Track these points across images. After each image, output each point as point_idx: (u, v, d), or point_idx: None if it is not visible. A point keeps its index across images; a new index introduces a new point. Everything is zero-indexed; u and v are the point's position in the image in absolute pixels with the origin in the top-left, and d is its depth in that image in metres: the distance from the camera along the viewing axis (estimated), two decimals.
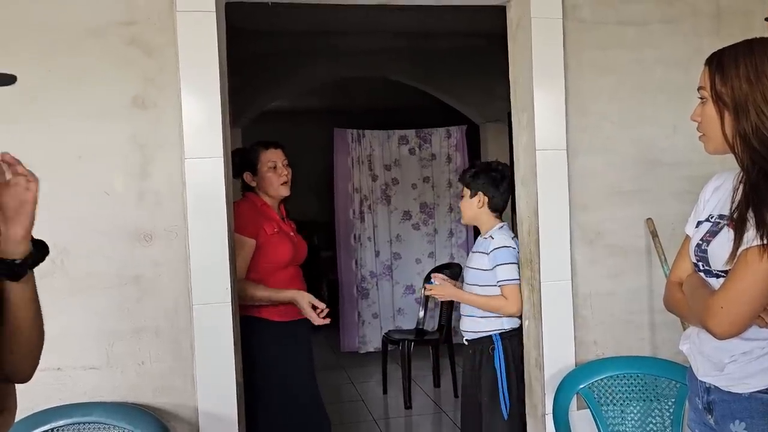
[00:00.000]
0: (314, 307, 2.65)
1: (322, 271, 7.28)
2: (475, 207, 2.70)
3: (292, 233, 2.86)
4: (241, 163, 2.76)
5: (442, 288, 2.73)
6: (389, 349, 5.03)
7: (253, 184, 2.80)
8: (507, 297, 2.58)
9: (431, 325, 5.46)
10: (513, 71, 2.59)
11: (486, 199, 2.69)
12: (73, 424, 2.08)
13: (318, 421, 2.84)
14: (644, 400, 2.41)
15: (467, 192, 2.71)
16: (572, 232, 2.51)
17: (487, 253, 2.61)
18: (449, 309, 4.89)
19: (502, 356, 2.59)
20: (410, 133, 6.13)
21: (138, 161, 2.18)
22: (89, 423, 2.08)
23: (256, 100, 5.30)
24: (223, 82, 2.26)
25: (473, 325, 2.66)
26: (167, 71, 2.18)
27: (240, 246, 2.55)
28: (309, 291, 2.88)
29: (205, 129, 2.19)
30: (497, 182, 2.69)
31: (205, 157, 2.20)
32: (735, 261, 1.43)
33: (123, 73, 2.17)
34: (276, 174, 2.78)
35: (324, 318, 2.65)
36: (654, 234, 2.54)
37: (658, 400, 2.42)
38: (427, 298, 5.17)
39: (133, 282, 2.19)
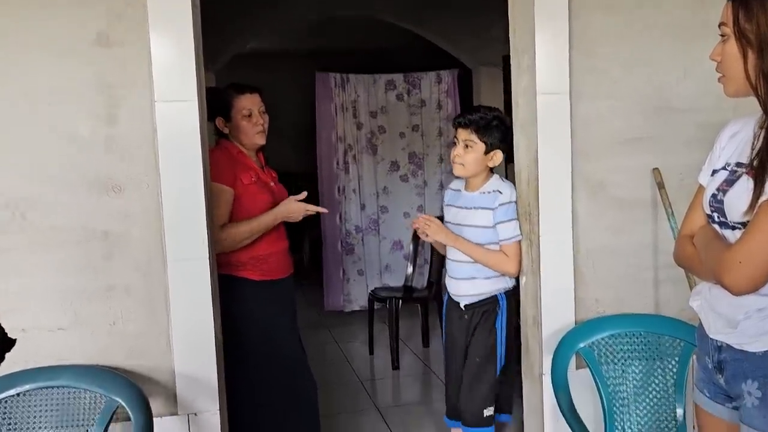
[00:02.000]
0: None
1: (304, 227, 7.24)
2: (484, 163, 2.57)
3: (272, 183, 2.82)
4: (213, 106, 2.71)
5: (433, 226, 2.59)
6: (376, 307, 5.06)
7: (226, 130, 2.76)
8: (508, 255, 2.55)
9: (420, 282, 5.47)
10: (513, 10, 2.53)
11: (501, 157, 2.58)
12: (40, 388, 2.05)
13: (304, 384, 2.85)
14: (647, 359, 2.43)
15: (478, 143, 2.54)
16: (574, 182, 2.49)
17: (493, 209, 2.56)
18: (439, 265, 4.90)
19: (504, 316, 2.58)
20: (398, 77, 6.05)
21: (104, 104, 2.13)
22: (57, 387, 2.06)
23: (231, 41, 5.18)
24: (196, 18, 2.19)
25: (473, 288, 2.60)
26: (134, 5, 2.11)
27: (217, 194, 2.52)
28: (291, 246, 2.86)
29: (177, 69, 2.14)
30: (509, 137, 2.58)
31: (178, 100, 2.15)
32: (755, 212, 1.40)
33: (86, 8, 2.09)
34: (251, 123, 2.73)
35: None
36: (661, 185, 2.53)
37: (661, 359, 2.44)
38: (416, 252, 5.17)
39: (102, 236, 2.16)
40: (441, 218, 2.69)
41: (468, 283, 2.61)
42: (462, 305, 2.63)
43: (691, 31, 2.53)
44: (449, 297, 2.70)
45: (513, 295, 2.62)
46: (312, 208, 2.74)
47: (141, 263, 2.18)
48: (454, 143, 2.62)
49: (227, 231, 2.57)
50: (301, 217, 2.73)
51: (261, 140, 2.77)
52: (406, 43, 6.58)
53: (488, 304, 2.59)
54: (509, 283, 2.61)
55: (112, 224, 2.16)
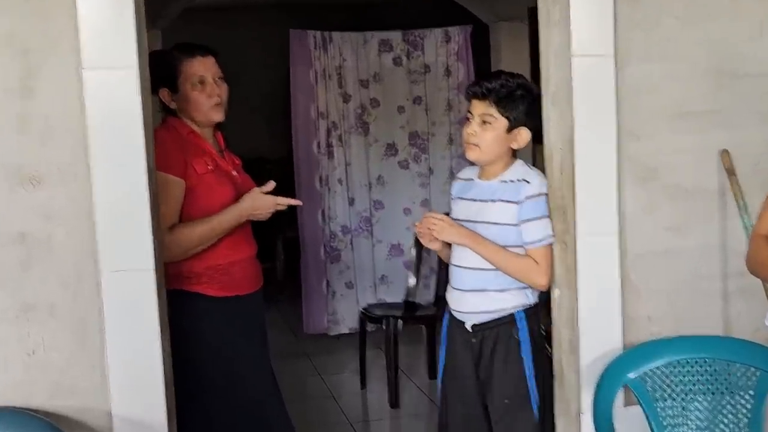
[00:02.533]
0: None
1: (277, 226, 7.25)
2: (506, 144, 2.56)
3: (234, 171, 2.82)
4: (156, 74, 2.68)
5: (440, 224, 2.56)
6: (369, 329, 5.05)
7: (174, 105, 2.75)
8: (540, 262, 2.54)
9: (425, 297, 5.47)
10: None
11: (528, 137, 2.57)
12: None
13: (277, 428, 2.85)
14: (713, 393, 2.44)
15: (499, 119, 2.52)
16: (620, 168, 2.49)
17: (518, 202, 2.55)
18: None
19: (528, 341, 2.57)
20: (395, 36, 6.03)
21: (16, 73, 2.13)
22: None
23: None
24: None
25: (483, 303, 2.58)
26: None
27: (164, 187, 2.51)
28: (260, 252, 2.85)
29: (111, 27, 2.15)
30: (537, 111, 2.57)
31: (112, 68, 2.15)
32: None
33: None
34: (204, 93, 2.72)
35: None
36: (731, 171, 2.53)
37: (732, 392, 2.44)
38: (419, 259, 5.17)
39: (17, 240, 2.16)
40: (447, 215, 2.68)
41: (477, 297, 2.59)
42: (468, 326, 2.61)
43: None
44: (450, 316, 2.69)
45: (534, 314, 2.61)
46: (283, 201, 2.73)
47: (68, 276, 2.18)
48: (467, 119, 2.60)
49: (176, 234, 2.57)
50: (269, 214, 2.72)
51: (218, 116, 2.76)
52: None
53: (503, 326, 2.57)
54: (530, 298, 2.60)
55: (29, 225, 2.15)
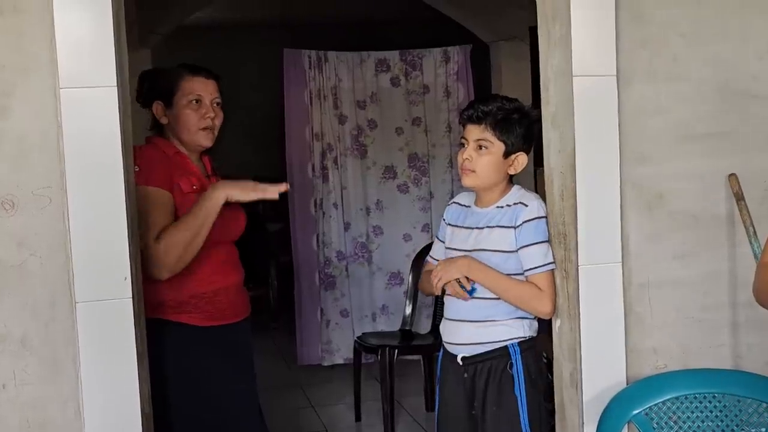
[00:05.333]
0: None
1: (270, 252, 7.23)
2: (503, 170, 2.56)
3: None
4: (153, 88, 2.70)
5: (446, 268, 2.55)
6: (364, 360, 5.02)
7: (164, 121, 2.75)
8: (543, 289, 2.52)
9: (423, 326, 5.44)
10: None
11: (526, 162, 2.57)
12: None
13: None
14: (723, 430, 2.41)
15: (495, 143, 2.52)
16: (624, 193, 2.48)
17: (515, 227, 2.53)
18: None
19: (522, 377, 2.54)
20: (392, 55, 6.05)
21: None
22: None
23: (172, 8, 5.20)
24: None
25: (477, 334, 2.56)
26: None
27: (150, 199, 2.52)
28: (251, 278, 2.83)
29: (90, 45, 2.15)
30: (534, 136, 2.57)
31: (91, 86, 2.16)
32: None
33: None
34: (197, 112, 2.73)
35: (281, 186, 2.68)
36: (739, 196, 2.51)
37: (743, 429, 2.42)
38: (416, 286, 5.13)
39: None
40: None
41: (470, 328, 2.57)
42: (459, 359, 2.60)
43: None
44: (445, 349, 2.68)
45: (530, 347, 2.58)
46: (270, 191, 2.66)
47: (41, 305, 2.17)
48: (462, 144, 2.60)
49: (164, 240, 2.53)
50: (251, 194, 2.66)
51: (205, 140, 2.75)
52: (402, 12, 6.60)
53: (496, 359, 2.55)
54: (527, 331, 2.58)
55: (1, 252, 2.14)
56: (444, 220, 2.76)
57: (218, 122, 2.78)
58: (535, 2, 2.56)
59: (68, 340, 2.17)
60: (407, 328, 5.12)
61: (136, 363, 2.20)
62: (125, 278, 2.18)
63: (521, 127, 2.54)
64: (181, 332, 2.63)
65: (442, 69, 6.06)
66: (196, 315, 2.65)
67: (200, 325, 2.65)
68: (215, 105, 2.77)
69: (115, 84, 2.15)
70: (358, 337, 5.14)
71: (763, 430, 2.39)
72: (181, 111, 2.71)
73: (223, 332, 2.71)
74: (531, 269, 2.53)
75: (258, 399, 2.88)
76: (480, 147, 2.54)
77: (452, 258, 2.60)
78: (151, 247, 2.48)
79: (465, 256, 2.56)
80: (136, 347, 2.21)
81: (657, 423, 2.39)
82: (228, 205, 2.76)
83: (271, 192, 2.66)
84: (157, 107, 2.73)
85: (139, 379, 2.21)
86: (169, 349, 2.58)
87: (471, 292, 2.53)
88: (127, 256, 2.18)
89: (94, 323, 2.17)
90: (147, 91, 2.73)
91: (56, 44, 2.12)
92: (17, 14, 2.11)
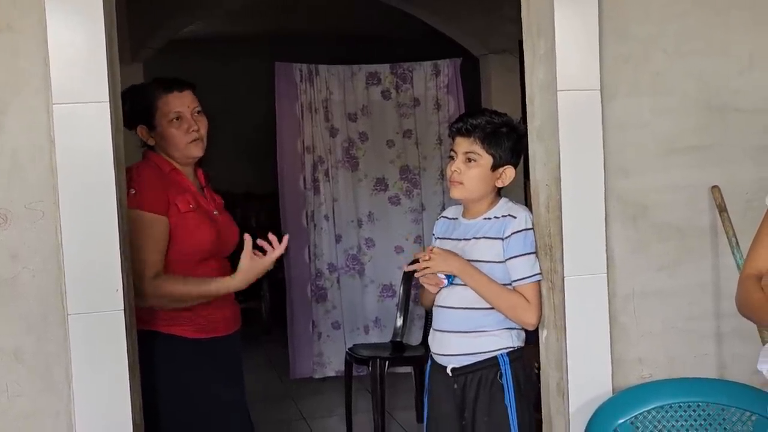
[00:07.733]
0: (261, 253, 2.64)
1: None
2: (491, 182, 2.57)
3: (215, 211, 2.81)
4: (132, 110, 2.67)
5: (440, 258, 2.54)
6: (356, 372, 5.01)
7: (151, 142, 2.74)
8: (530, 299, 2.54)
9: (414, 337, 5.44)
10: None
11: (513, 175, 2.58)
12: None
13: None
14: None
15: (483, 156, 2.53)
16: (608, 206, 2.50)
17: (503, 238, 2.55)
18: None
19: (512, 387, 2.55)
20: (383, 68, 6.05)
21: None
22: None
23: (165, 22, 5.20)
24: None
25: (466, 345, 2.56)
26: None
27: (148, 228, 2.52)
28: (243, 291, 2.83)
29: (83, 62, 2.16)
30: (522, 150, 2.59)
31: (83, 102, 2.16)
32: None
33: None
34: (181, 129, 2.71)
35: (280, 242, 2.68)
36: (722, 208, 2.54)
37: None
38: (407, 297, 5.15)
39: None
40: None
41: (459, 338, 2.58)
42: (448, 370, 2.60)
43: (762, 6, 2.56)
44: (433, 361, 2.68)
45: (519, 357, 2.59)
46: (274, 256, 2.65)
47: (34, 318, 2.17)
48: (451, 157, 2.61)
49: (166, 286, 2.56)
50: (268, 267, 2.67)
51: (196, 151, 2.75)
52: (393, 25, 6.62)
53: (485, 369, 2.56)
54: (515, 341, 2.59)
55: None
56: (434, 234, 2.78)
57: (204, 130, 2.76)
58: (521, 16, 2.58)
59: (60, 352, 2.17)
60: (398, 339, 5.11)
61: (127, 374, 2.20)
62: (117, 290, 2.18)
63: (509, 140, 2.56)
64: (172, 344, 2.62)
65: (432, 82, 6.06)
66: (188, 327, 2.65)
67: (192, 338, 2.65)
68: (196, 114, 2.74)
69: (108, 99, 2.16)
70: (349, 349, 5.13)
71: None
72: (165, 131, 2.70)
73: (215, 345, 2.71)
74: (518, 280, 2.54)
75: (248, 411, 2.88)
76: (469, 159, 2.55)
77: (450, 252, 2.59)
78: (145, 283, 2.49)
79: (461, 259, 2.57)
80: (128, 359, 2.20)
81: (642, 431, 2.40)
82: (222, 219, 2.80)
83: (279, 252, 2.67)
84: (141, 131, 2.72)
85: (130, 390, 2.21)
86: (160, 360, 2.58)
87: (449, 278, 2.55)
88: (119, 268, 2.19)
89: (86, 335, 2.17)
90: (128, 113, 2.64)
91: (49, 61, 2.13)
92: (11, 32, 2.13)
